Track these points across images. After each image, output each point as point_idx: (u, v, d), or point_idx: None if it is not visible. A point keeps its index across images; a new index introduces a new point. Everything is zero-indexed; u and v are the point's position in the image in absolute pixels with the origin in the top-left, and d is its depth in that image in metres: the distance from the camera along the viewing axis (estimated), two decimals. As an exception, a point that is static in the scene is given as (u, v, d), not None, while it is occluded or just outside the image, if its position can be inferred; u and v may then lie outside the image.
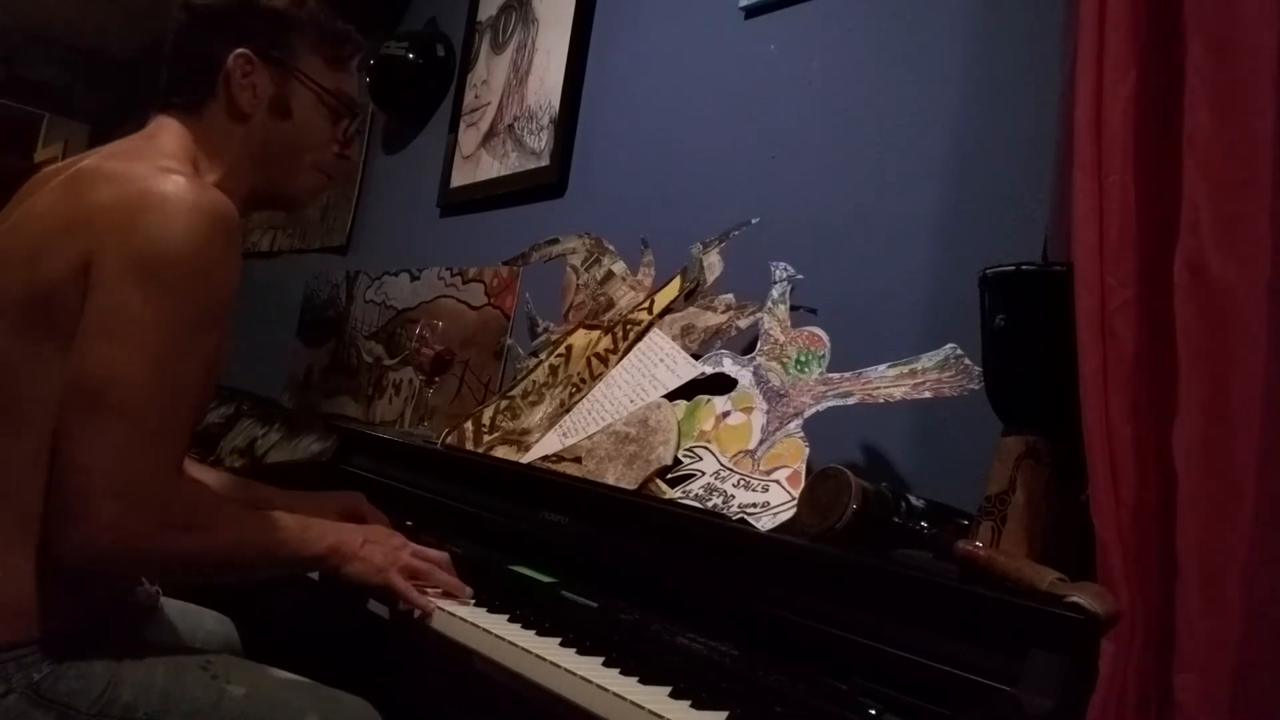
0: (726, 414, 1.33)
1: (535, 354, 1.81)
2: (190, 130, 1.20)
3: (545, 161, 2.27)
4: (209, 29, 1.22)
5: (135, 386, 0.98)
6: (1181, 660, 0.79)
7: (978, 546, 0.97)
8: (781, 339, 1.34)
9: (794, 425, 1.23)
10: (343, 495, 1.42)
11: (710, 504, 1.20)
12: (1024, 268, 1.04)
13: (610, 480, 1.34)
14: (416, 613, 1.15)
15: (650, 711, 0.87)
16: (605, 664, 1.00)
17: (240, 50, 1.20)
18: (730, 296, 1.50)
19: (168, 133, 1.20)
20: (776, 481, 1.18)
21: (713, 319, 1.50)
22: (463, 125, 2.61)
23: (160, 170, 1.07)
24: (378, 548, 1.17)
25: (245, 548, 1.09)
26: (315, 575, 1.30)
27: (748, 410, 1.30)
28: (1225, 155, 0.83)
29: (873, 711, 0.87)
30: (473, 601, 1.18)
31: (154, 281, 0.99)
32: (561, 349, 1.71)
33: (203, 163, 1.19)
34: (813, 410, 1.23)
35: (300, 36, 1.25)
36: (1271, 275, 0.80)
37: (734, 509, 1.17)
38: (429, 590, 1.18)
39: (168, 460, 1.01)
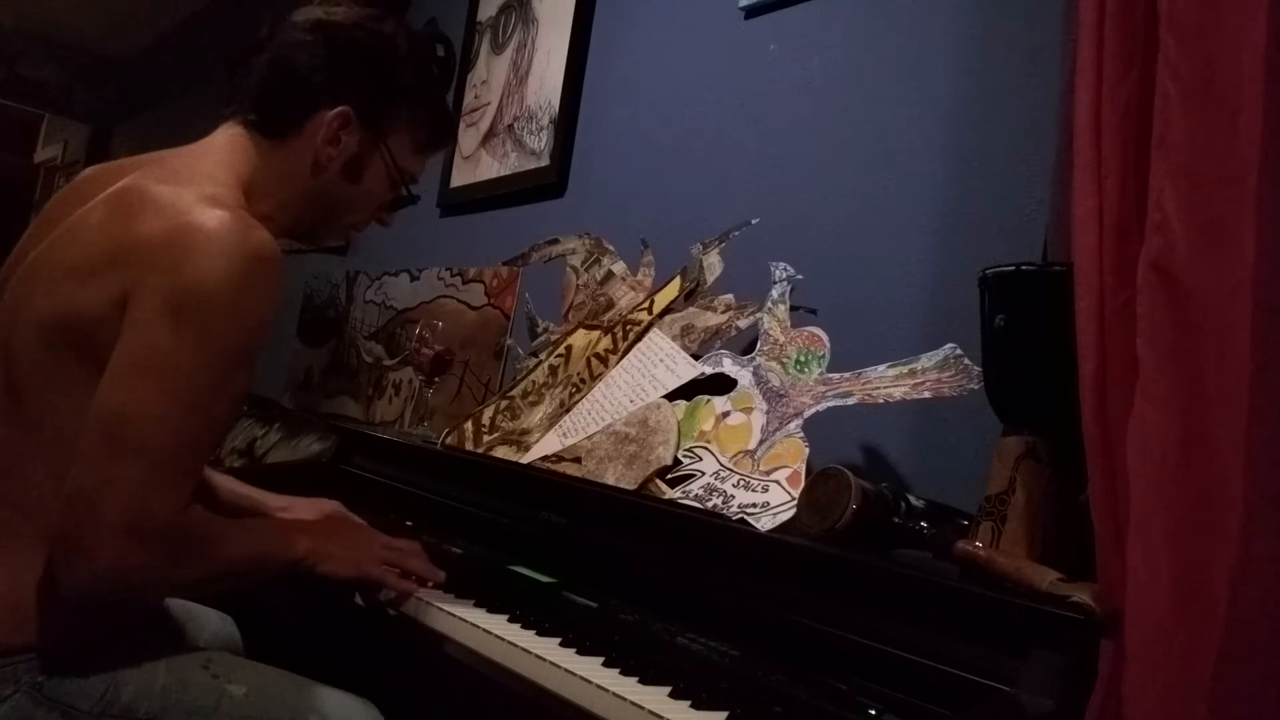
0: (726, 414, 1.33)
1: (535, 354, 1.81)
2: (256, 153, 1.17)
3: (545, 161, 2.27)
4: (331, 66, 1.18)
5: (159, 427, 0.96)
6: (1142, 667, 0.78)
7: (978, 546, 0.97)
8: (781, 339, 1.34)
9: (794, 425, 1.23)
10: (323, 503, 1.41)
11: (710, 504, 1.20)
12: (1024, 268, 1.04)
13: (610, 480, 1.34)
14: (394, 595, 1.17)
15: (650, 711, 0.87)
16: (605, 664, 1.00)
17: (344, 109, 1.17)
18: (730, 296, 1.50)
19: (228, 149, 1.16)
20: (776, 481, 1.18)
21: (713, 319, 1.50)
22: (463, 125, 2.61)
23: (206, 200, 1.04)
24: (349, 543, 1.20)
25: (235, 564, 1.09)
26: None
27: (747, 410, 1.30)
28: (1201, 155, 0.82)
29: (873, 711, 0.87)
30: (472, 601, 1.18)
31: (190, 322, 0.98)
32: (561, 349, 1.71)
33: (256, 188, 1.15)
34: (813, 410, 1.23)
35: (407, 111, 1.23)
36: (1254, 273, 0.79)
37: (734, 509, 1.17)
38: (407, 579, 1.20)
39: (180, 498, 1.00)
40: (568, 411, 1.55)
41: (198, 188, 1.07)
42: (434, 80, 1.27)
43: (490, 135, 2.48)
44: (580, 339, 1.69)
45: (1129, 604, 0.80)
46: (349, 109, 1.18)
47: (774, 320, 1.37)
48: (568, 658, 1.01)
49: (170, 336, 0.97)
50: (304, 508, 1.38)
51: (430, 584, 1.22)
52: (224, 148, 1.17)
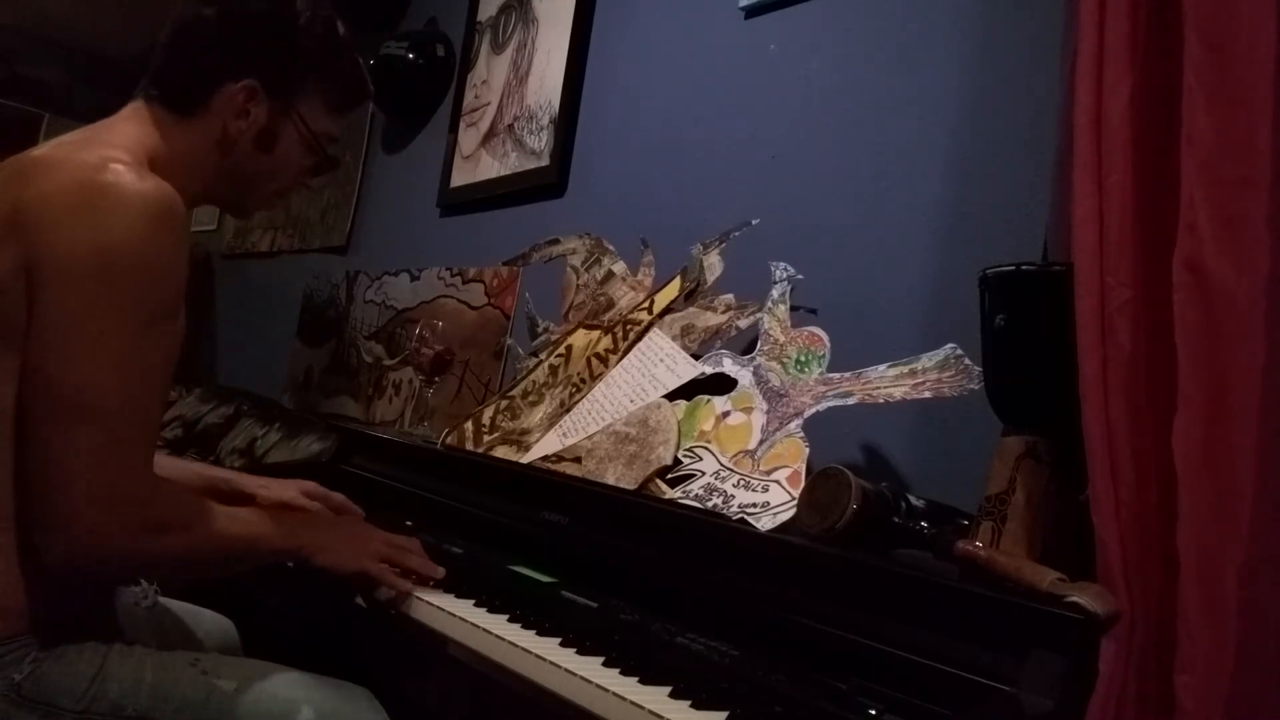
0: (726, 414, 1.33)
1: (535, 354, 1.81)
2: (162, 128, 1.16)
3: (545, 161, 2.27)
4: (231, 40, 1.17)
5: (106, 390, 0.97)
6: (1182, 661, 0.79)
7: (978, 546, 0.97)
8: (781, 339, 1.34)
9: (794, 425, 1.23)
10: (302, 483, 1.42)
11: (710, 504, 1.20)
12: (1024, 268, 1.04)
13: (610, 480, 1.34)
14: (394, 594, 1.17)
15: (650, 711, 0.87)
16: (605, 664, 1.00)
17: (249, 82, 1.17)
18: (730, 296, 1.50)
19: (133, 123, 1.15)
20: (776, 481, 1.18)
21: (713, 319, 1.50)
22: (463, 125, 2.61)
23: (101, 161, 1.03)
24: (349, 537, 1.20)
25: (222, 544, 1.10)
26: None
27: (748, 410, 1.30)
28: (1223, 154, 0.83)
29: (873, 711, 0.87)
30: (472, 601, 1.18)
31: (103, 282, 0.98)
32: (561, 349, 1.71)
33: (161, 161, 1.13)
34: (813, 410, 1.23)
35: (315, 77, 1.22)
36: (1270, 274, 0.80)
37: (734, 509, 1.17)
38: (406, 577, 1.20)
39: (143, 461, 1.02)
40: (568, 411, 1.55)
41: (95, 151, 1.06)
42: (339, 42, 1.24)
43: (490, 135, 2.48)
44: (580, 339, 1.69)
45: (1180, 602, 0.80)
46: (255, 82, 1.17)
47: (774, 320, 1.37)
48: (568, 657, 1.01)
49: (84, 300, 0.97)
50: (282, 487, 1.39)
51: (430, 582, 1.22)
52: (128, 123, 1.16)
